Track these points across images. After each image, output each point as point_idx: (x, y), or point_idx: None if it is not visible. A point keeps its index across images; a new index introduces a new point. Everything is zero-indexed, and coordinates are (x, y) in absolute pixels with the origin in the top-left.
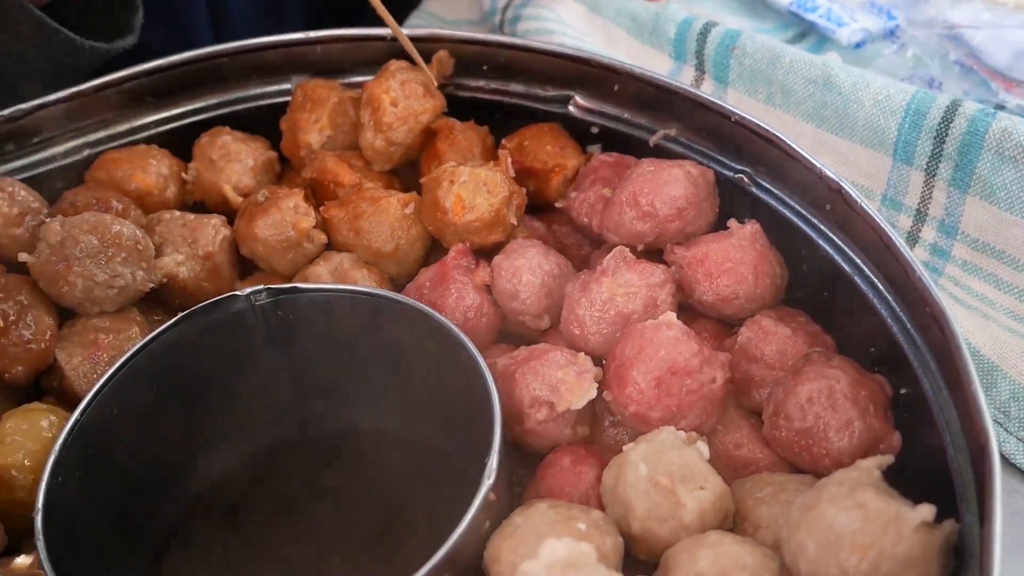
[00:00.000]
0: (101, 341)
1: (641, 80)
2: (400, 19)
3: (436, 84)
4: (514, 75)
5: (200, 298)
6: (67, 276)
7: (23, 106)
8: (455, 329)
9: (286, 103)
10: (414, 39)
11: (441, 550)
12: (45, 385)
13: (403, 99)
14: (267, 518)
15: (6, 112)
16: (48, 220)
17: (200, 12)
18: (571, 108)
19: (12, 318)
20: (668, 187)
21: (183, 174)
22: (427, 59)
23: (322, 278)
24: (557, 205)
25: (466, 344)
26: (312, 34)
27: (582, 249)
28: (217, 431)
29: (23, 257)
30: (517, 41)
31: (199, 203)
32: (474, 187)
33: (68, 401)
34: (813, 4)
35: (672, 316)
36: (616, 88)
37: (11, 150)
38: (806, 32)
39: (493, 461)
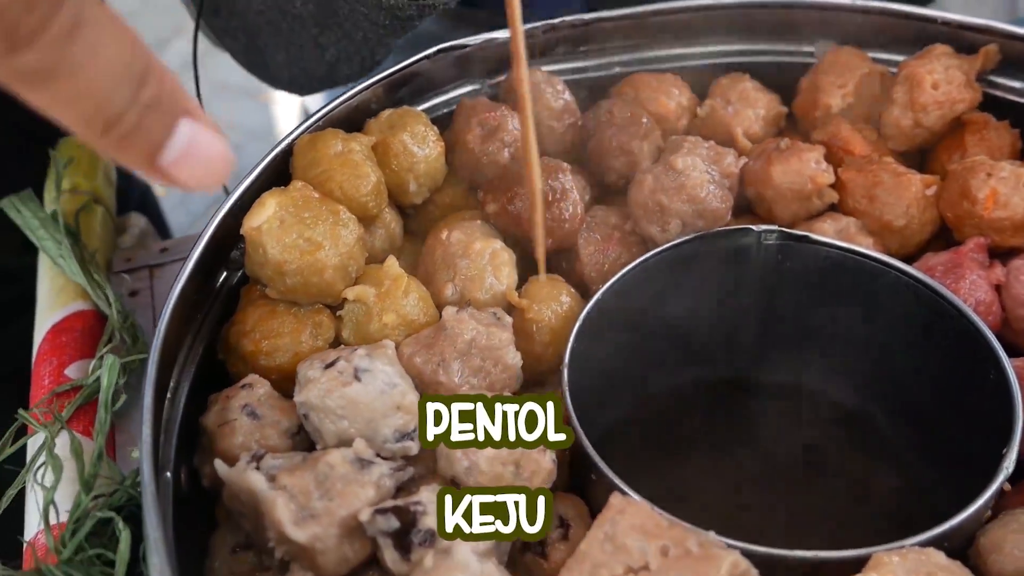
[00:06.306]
0: (614, 236)
1: None
2: None
3: (976, 77)
4: None
5: None
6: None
7: (584, 16)
8: (975, 318)
9: (802, 64)
10: (965, 27)
11: (943, 525)
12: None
13: (944, 83)
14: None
15: (569, 19)
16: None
17: None
18: None
19: (557, 196)
20: None
21: (697, 108)
22: (974, 50)
23: (827, 235)
24: None
25: (986, 335)
26: (859, 2)
27: None
28: (677, 349)
29: None
30: None
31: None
32: (1013, 184)
33: (571, 280)
34: None
35: None
36: None
37: (560, 52)
38: None
39: (1013, 454)
